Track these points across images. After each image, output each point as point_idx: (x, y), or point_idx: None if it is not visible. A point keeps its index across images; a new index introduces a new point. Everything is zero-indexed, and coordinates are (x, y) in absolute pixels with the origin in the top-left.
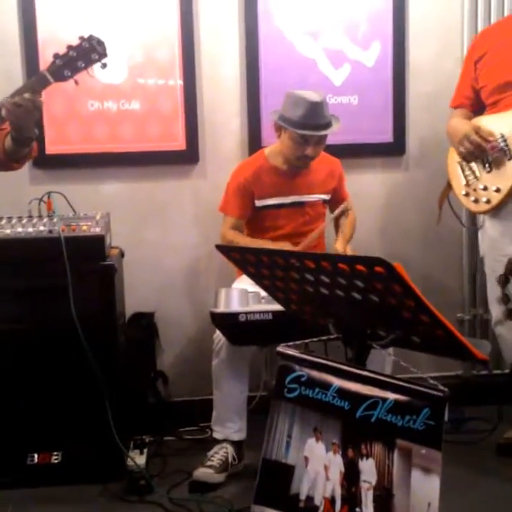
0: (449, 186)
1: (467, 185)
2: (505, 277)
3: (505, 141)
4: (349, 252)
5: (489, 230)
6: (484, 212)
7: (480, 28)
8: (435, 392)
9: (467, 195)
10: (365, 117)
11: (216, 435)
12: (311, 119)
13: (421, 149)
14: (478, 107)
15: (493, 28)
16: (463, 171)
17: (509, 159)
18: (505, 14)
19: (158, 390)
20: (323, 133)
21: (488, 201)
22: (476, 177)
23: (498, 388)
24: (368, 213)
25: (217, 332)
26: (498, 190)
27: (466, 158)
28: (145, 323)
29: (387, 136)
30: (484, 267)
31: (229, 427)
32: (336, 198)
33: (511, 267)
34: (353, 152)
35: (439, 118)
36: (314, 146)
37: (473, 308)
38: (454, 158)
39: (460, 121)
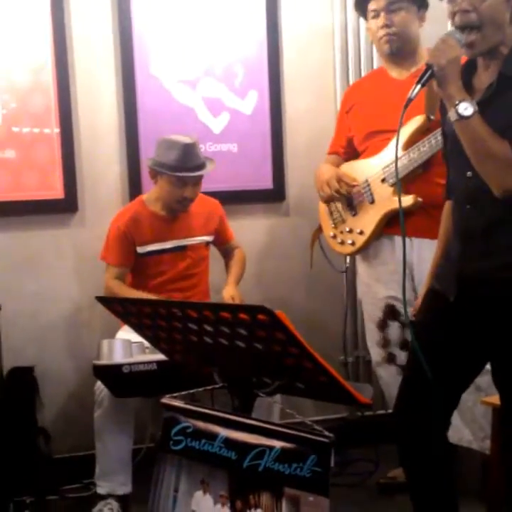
0: (319, 228)
1: (335, 227)
2: (384, 322)
3: (368, 185)
4: (237, 295)
5: (362, 275)
6: (349, 254)
7: (351, 80)
8: (321, 439)
9: (334, 237)
10: (245, 164)
11: (100, 490)
12: (187, 161)
13: (300, 195)
14: (352, 155)
15: (361, 82)
16: (331, 213)
17: (371, 203)
18: (374, 65)
19: (39, 447)
20: (200, 173)
21: (352, 243)
22: (342, 220)
23: (381, 429)
24: (250, 259)
25: (99, 382)
26: (361, 233)
27: (326, 201)
28: (24, 378)
29: (267, 182)
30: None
31: (113, 480)
32: (221, 239)
33: (389, 312)
34: (234, 199)
35: (316, 164)
36: (192, 187)
37: (356, 350)
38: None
39: (326, 166)
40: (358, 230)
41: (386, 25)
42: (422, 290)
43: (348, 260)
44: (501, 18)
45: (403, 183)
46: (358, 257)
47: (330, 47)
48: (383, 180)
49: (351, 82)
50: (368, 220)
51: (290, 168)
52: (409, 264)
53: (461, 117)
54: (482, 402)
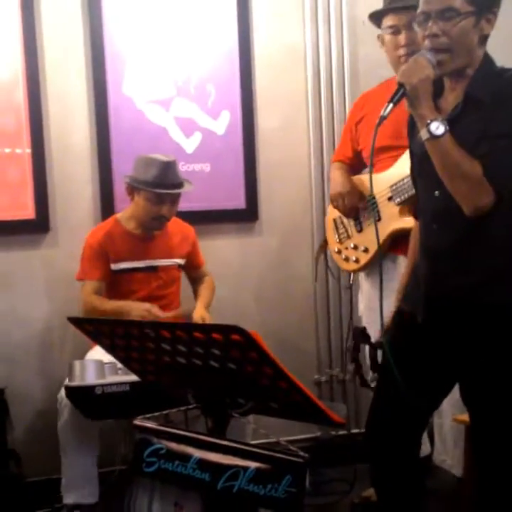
0: (325, 243)
1: (340, 242)
2: (356, 345)
3: (375, 202)
4: (207, 317)
5: (366, 291)
6: (353, 271)
7: (323, 99)
8: (295, 459)
9: (339, 252)
10: (217, 184)
11: (67, 500)
12: (165, 178)
13: (273, 215)
14: (357, 166)
15: (370, 93)
16: (337, 228)
17: (378, 220)
18: (345, 85)
19: (10, 470)
20: (178, 191)
21: (356, 260)
22: (348, 235)
23: (355, 448)
24: (223, 279)
25: (61, 392)
26: (366, 250)
27: (342, 213)
28: None
29: (239, 202)
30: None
31: (79, 492)
32: (192, 264)
33: (359, 335)
34: (207, 218)
35: (289, 184)
36: (170, 205)
37: (329, 369)
38: (331, 215)
39: (341, 176)
40: (363, 248)
41: (407, 45)
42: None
43: (352, 277)
44: (470, 42)
45: (410, 203)
46: (362, 274)
47: (301, 66)
48: (390, 199)
49: (323, 102)
50: (373, 238)
51: (263, 188)
52: (401, 284)
53: (433, 136)
54: (454, 419)
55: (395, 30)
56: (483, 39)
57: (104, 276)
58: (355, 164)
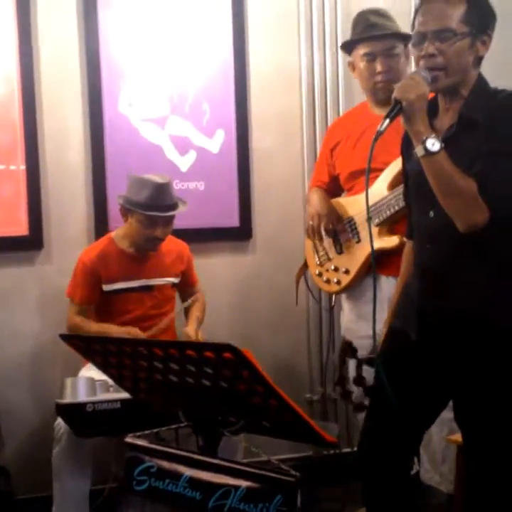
0: (305, 265)
1: (320, 265)
2: (342, 359)
3: (354, 224)
4: (199, 335)
5: (347, 312)
6: (335, 293)
7: (318, 119)
8: (287, 478)
9: (320, 275)
10: (211, 202)
11: None
12: (159, 201)
13: (267, 233)
14: (333, 191)
15: (343, 119)
16: (317, 251)
17: (357, 242)
18: (340, 105)
19: (0, 487)
20: (171, 213)
21: (338, 282)
22: (328, 258)
23: (347, 467)
24: (216, 297)
25: (59, 419)
26: (347, 272)
27: (309, 233)
28: None
29: (233, 221)
30: None
31: None
32: (186, 282)
33: (346, 348)
34: (201, 237)
35: (283, 203)
36: (163, 227)
37: (321, 387)
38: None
39: (319, 198)
40: (344, 269)
41: (384, 72)
42: (383, 329)
43: (333, 298)
44: (465, 62)
45: (389, 223)
46: (343, 295)
47: (296, 86)
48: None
49: (317, 121)
50: (353, 260)
51: (257, 206)
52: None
53: (429, 153)
54: (447, 440)
55: (371, 58)
56: (478, 60)
57: (90, 299)
58: (332, 189)
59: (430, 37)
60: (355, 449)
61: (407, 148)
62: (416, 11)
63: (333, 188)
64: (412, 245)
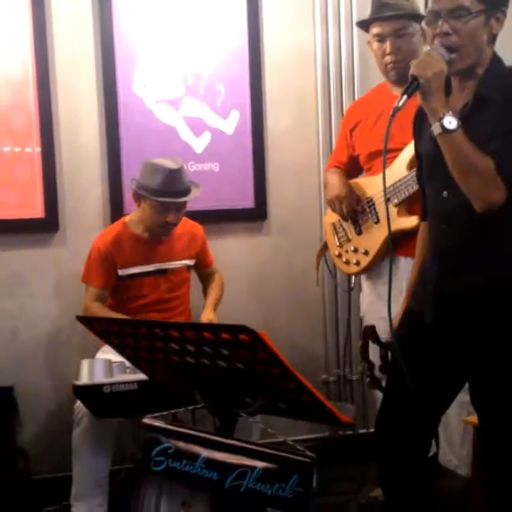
0: (325, 246)
1: (340, 246)
2: (365, 344)
3: (373, 204)
4: (214, 320)
5: (367, 293)
6: (354, 274)
7: (333, 99)
8: (303, 459)
9: (339, 256)
10: (226, 184)
11: (75, 511)
12: (171, 186)
13: (282, 214)
14: (354, 171)
15: (363, 99)
16: (336, 232)
17: (376, 223)
18: (355, 85)
19: (19, 468)
20: (183, 200)
21: (357, 263)
22: (348, 239)
23: (363, 448)
24: (231, 278)
25: (79, 402)
26: (366, 253)
27: (340, 216)
28: (3, 399)
29: (248, 201)
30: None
31: (89, 502)
32: (201, 263)
33: (369, 333)
34: (216, 218)
35: (298, 184)
36: (175, 212)
37: (337, 369)
38: (329, 219)
39: (338, 179)
40: (363, 250)
41: (393, 53)
42: (399, 310)
43: (354, 280)
44: (480, 40)
45: (408, 203)
46: (363, 276)
47: (311, 66)
48: (388, 200)
49: (333, 101)
50: (372, 241)
51: (272, 187)
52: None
53: (446, 130)
54: (465, 421)
55: (381, 39)
56: (492, 38)
57: (106, 284)
58: (351, 170)
59: (444, 15)
60: (371, 429)
61: (419, 129)
62: None
63: (352, 169)
64: (426, 227)
